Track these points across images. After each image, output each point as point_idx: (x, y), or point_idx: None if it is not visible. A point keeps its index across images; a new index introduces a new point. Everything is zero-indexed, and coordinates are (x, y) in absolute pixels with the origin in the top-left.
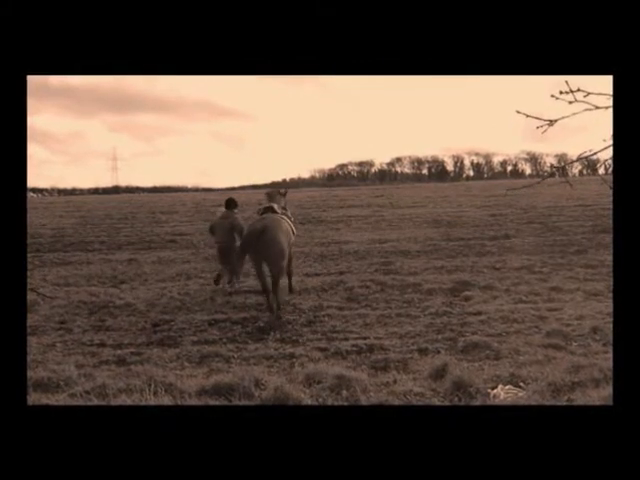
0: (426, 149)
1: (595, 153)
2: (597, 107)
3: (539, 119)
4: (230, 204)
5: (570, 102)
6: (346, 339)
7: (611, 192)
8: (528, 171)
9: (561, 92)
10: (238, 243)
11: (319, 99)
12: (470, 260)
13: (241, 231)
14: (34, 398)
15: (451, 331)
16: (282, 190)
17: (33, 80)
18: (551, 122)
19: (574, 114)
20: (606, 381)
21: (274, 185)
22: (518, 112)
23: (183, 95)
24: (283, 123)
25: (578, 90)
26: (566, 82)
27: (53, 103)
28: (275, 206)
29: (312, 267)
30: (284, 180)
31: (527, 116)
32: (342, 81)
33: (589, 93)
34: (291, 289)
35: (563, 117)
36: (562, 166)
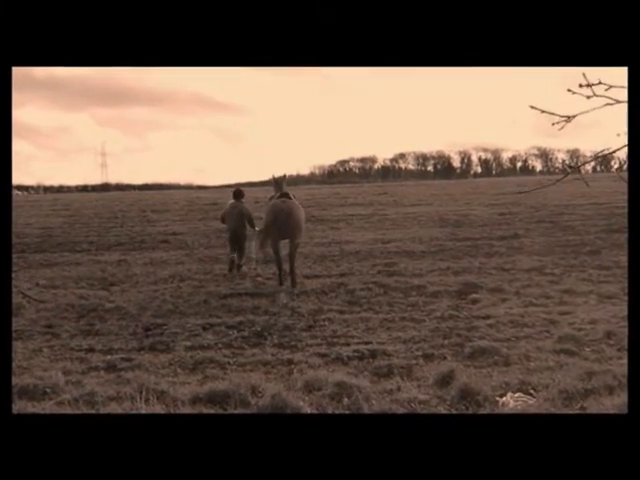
0: (431, 144)
1: (613, 152)
2: (618, 101)
3: (555, 115)
4: (238, 195)
5: (588, 97)
6: (347, 344)
7: (626, 189)
8: (539, 167)
9: (581, 85)
10: (248, 228)
11: (318, 92)
12: (478, 261)
13: (250, 217)
14: (19, 406)
15: (458, 336)
16: (283, 176)
17: (16, 72)
18: (569, 118)
19: (594, 109)
20: (621, 388)
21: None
22: (532, 107)
23: (175, 88)
24: (281, 117)
25: (599, 83)
26: (583, 74)
27: (38, 96)
28: (289, 192)
29: (312, 269)
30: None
31: (542, 111)
32: (343, 73)
33: (611, 86)
34: (294, 282)
35: (582, 112)
36: (577, 166)
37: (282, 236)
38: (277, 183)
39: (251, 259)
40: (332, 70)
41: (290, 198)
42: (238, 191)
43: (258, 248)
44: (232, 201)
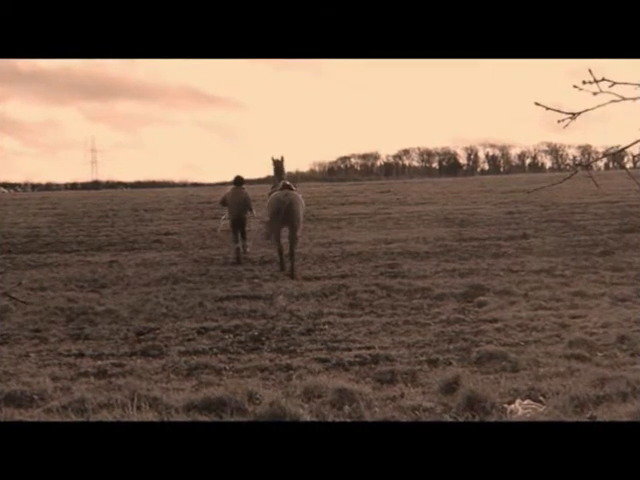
0: (436, 140)
1: (623, 149)
2: (624, 98)
3: (560, 112)
4: (239, 181)
5: (594, 93)
6: (348, 349)
7: (639, 187)
8: (548, 164)
9: (584, 82)
10: (249, 214)
11: (317, 85)
12: (485, 262)
13: (250, 204)
14: (6, 414)
15: (464, 340)
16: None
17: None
18: (574, 115)
19: (599, 106)
20: (634, 395)
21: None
22: (537, 104)
23: (166, 81)
24: (278, 112)
25: (603, 80)
26: (589, 71)
27: (23, 89)
28: (290, 184)
29: (311, 270)
30: None
31: (547, 109)
32: (343, 66)
33: (614, 83)
34: (293, 274)
35: (587, 110)
36: (587, 164)
37: (283, 226)
38: (277, 166)
39: (247, 251)
40: (331, 62)
41: (292, 189)
42: (239, 178)
43: (264, 239)
44: (233, 187)
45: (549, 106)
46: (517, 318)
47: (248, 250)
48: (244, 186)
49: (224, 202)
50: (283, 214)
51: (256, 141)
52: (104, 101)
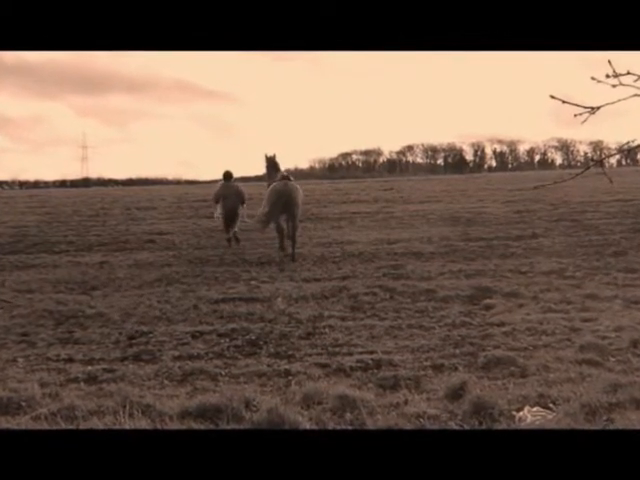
0: (441, 136)
1: (639, 145)
2: None
3: (578, 106)
4: (228, 176)
5: (614, 86)
6: (350, 354)
7: None
8: (559, 161)
9: (607, 76)
10: (242, 207)
11: (317, 79)
12: (492, 263)
13: (243, 198)
14: None
15: (470, 345)
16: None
17: None
18: (592, 109)
19: (619, 100)
20: None
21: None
22: (553, 97)
23: (157, 74)
24: (275, 106)
25: (628, 73)
26: (609, 62)
27: (9, 83)
28: (287, 174)
29: (311, 271)
30: None
31: (563, 102)
32: (343, 58)
33: (639, 77)
34: (294, 257)
35: (607, 103)
36: (600, 160)
37: (283, 215)
38: (271, 162)
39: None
40: (332, 55)
41: (290, 180)
42: (228, 173)
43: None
44: (222, 182)
45: (566, 102)
46: (526, 321)
47: (240, 243)
48: (232, 180)
49: (217, 199)
50: (283, 203)
51: (253, 137)
52: (92, 95)
